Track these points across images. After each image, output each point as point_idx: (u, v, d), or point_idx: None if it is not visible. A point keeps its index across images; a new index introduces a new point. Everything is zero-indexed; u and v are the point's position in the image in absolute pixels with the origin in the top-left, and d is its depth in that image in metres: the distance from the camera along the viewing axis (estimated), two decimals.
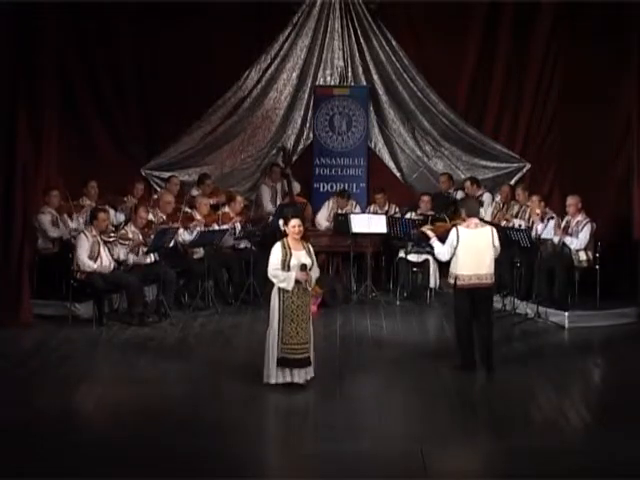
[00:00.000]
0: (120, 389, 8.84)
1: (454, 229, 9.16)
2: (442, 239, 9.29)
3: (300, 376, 8.68)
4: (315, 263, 8.79)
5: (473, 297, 9.13)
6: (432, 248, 9.64)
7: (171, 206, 12.21)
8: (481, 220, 9.55)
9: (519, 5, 13.34)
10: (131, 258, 11.39)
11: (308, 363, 8.70)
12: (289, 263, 8.60)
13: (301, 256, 8.65)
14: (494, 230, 9.26)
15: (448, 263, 9.32)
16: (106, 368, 9.73)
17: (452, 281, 9.18)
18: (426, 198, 12.93)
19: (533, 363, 9.80)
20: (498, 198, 13.01)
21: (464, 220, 9.27)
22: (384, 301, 12.35)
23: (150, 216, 11.92)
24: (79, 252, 10.96)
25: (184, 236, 11.91)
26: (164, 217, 12.09)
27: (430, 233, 9.43)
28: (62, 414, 8.16)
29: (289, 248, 8.66)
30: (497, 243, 9.18)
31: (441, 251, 9.26)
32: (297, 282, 8.59)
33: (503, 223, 12.14)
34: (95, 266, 10.98)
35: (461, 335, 9.21)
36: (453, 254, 9.10)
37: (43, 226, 11.57)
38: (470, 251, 9.05)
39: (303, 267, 8.59)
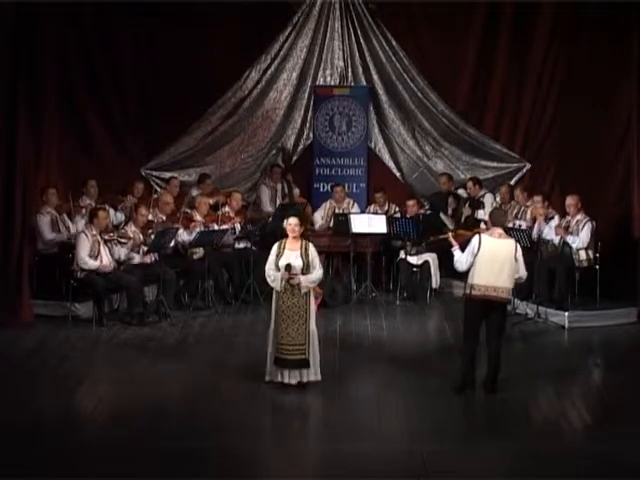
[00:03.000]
0: (120, 389, 8.84)
1: (476, 236, 8.69)
2: (462, 248, 8.84)
3: (293, 377, 8.67)
4: (315, 265, 8.74)
5: (486, 311, 8.62)
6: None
7: (170, 207, 12.23)
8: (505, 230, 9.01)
9: (519, 5, 13.34)
10: (136, 257, 11.39)
11: (304, 365, 8.66)
12: (277, 263, 8.63)
13: (291, 256, 8.64)
14: (517, 244, 8.79)
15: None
16: (106, 368, 9.73)
17: (468, 291, 8.65)
18: (411, 202, 12.91)
19: (533, 363, 9.81)
20: (497, 198, 13.01)
21: (487, 228, 8.92)
22: (384, 301, 12.35)
23: (150, 216, 11.93)
24: (79, 251, 10.96)
25: (183, 236, 11.91)
26: (163, 217, 12.09)
27: (453, 241, 8.94)
28: (62, 414, 8.17)
29: (283, 248, 8.68)
30: (520, 256, 8.68)
31: (460, 259, 8.72)
32: (287, 282, 8.60)
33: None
34: (97, 263, 10.98)
35: (465, 350, 8.71)
36: (473, 262, 8.61)
37: (40, 228, 11.55)
38: (490, 261, 8.54)
39: (287, 267, 8.58)
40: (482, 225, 11.91)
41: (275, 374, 8.69)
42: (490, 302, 8.60)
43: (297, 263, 8.63)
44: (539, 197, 12.10)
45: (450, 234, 9.18)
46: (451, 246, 8.98)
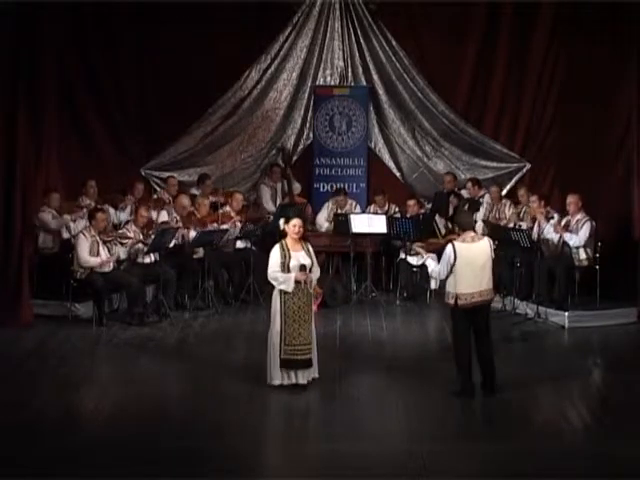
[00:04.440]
0: (120, 389, 8.85)
1: (449, 245, 8.45)
2: (437, 255, 8.77)
3: (304, 377, 8.68)
4: (315, 263, 8.79)
5: (473, 316, 8.50)
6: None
7: (186, 210, 12.19)
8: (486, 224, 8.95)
9: (519, 5, 13.35)
10: (139, 247, 11.33)
11: (310, 364, 8.69)
12: (288, 264, 8.59)
13: (300, 257, 8.64)
14: (490, 241, 8.65)
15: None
16: (106, 368, 9.74)
17: (451, 301, 8.46)
18: (411, 202, 12.91)
19: (533, 363, 9.81)
20: (488, 198, 12.99)
21: (458, 235, 8.66)
22: (384, 301, 12.35)
23: (165, 216, 11.95)
24: (80, 251, 10.96)
25: (192, 236, 11.89)
26: (178, 218, 12.09)
27: (422, 251, 8.90)
28: (62, 414, 8.16)
29: (288, 250, 8.65)
30: (492, 254, 8.59)
31: (436, 270, 8.60)
32: (297, 283, 8.60)
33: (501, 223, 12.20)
34: (98, 260, 10.97)
35: (461, 359, 8.53)
36: (450, 272, 8.43)
37: (44, 221, 11.55)
38: (470, 267, 8.38)
39: (302, 268, 8.59)
40: (479, 225, 11.94)
41: (286, 377, 8.65)
42: (478, 307, 8.50)
43: (307, 262, 8.65)
44: (534, 197, 12.09)
45: (417, 245, 8.95)
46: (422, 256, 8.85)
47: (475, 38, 13.70)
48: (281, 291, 8.64)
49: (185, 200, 12.32)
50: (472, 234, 8.60)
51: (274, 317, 8.69)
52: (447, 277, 8.52)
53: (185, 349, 10.25)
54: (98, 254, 11.05)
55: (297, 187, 13.68)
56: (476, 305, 8.48)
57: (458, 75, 13.84)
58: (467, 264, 8.41)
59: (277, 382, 8.65)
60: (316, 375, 8.79)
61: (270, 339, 8.72)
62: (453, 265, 8.41)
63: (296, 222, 8.71)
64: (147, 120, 13.71)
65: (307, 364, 8.67)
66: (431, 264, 8.74)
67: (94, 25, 13.20)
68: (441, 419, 8.11)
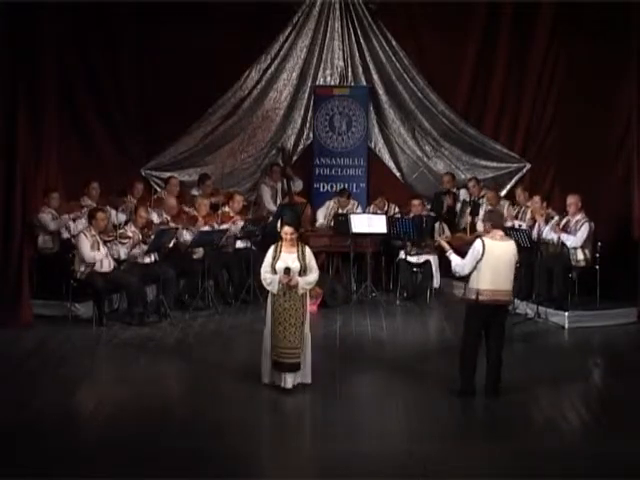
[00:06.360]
0: (120, 389, 8.84)
1: (479, 240, 8.50)
2: (459, 251, 8.79)
3: (288, 381, 8.62)
4: (312, 267, 8.71)
5: (488, 315, 8.50)
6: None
7: (175, 210, 12.21)
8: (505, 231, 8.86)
9: (519, 5, 13.36)
10: (137, 252, 11.35)
11: (297, 368, 8.62)
12: (275, 266, 8.61)
13: (289, 259, 8.61)
14: (515, 246, 8.69)
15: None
16: (106, 368, 9.74)
17: (473, 297, 8.47)
18: (416, 202, 12.90)
19: (533, 363, 9.81)
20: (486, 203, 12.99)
21: (487, 232, 8.72)
22: (384, 301, 12.35)
23: (155, 217, 11.94)
24: (82, 248, 10.93)
25: (186, 237, 11.90)
26: (168, 218, 12.10)
27: (446, 245, 8.89)
28: (62, 414, 8.16)
29: (279, 251, 8.65)
30: (517, 258, 8.67)
31: (460, 264, 8.57)
32: (282, 285, 8.59)
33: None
34: (99, 255, 10.96)
35: (466, 356, 8.54)
36: (475, 268, 8.47)
37: (44, 222, 11.54)
38: (495, 264, 8.41)
39: (286, 270, 8.55)
40: (480, 225, 11.93)
41: (276, 377, 8.66)
42: (495, 306, 8.49)
43: (295, 266, 8.61)
44: (537, 197, 12.10)
45: (442, 238, 9.00)
46: (445, 251, 8.89)
47: (475, 38, 13.71)
48: (271, 292, 8.66)
49: (172, 200, 12.33)
50: (501, 233, 8.64)
51: (267, 317, 8.74)
52: (470, 273, 8.53)
53: (185, 349, 10.24)
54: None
55: (299, 184, 13.69)
56: (495, 304, 8.47)
57: (458, 75, 13.85)
58: (493, 261, 8.44)
59: (265, 380, 8.68)
60: (307, 381, 8.73)
61: (264, 338, 8.74)
62: (479, 261, 8.44)
63: (287, 230, 8.70)
64: (147, 120, 13.71)
65: (293, 368, 8.60)
66: (455, 258, 8.73)
67: (94, 25, 13.18)
68: (441, 419, 8.11)
